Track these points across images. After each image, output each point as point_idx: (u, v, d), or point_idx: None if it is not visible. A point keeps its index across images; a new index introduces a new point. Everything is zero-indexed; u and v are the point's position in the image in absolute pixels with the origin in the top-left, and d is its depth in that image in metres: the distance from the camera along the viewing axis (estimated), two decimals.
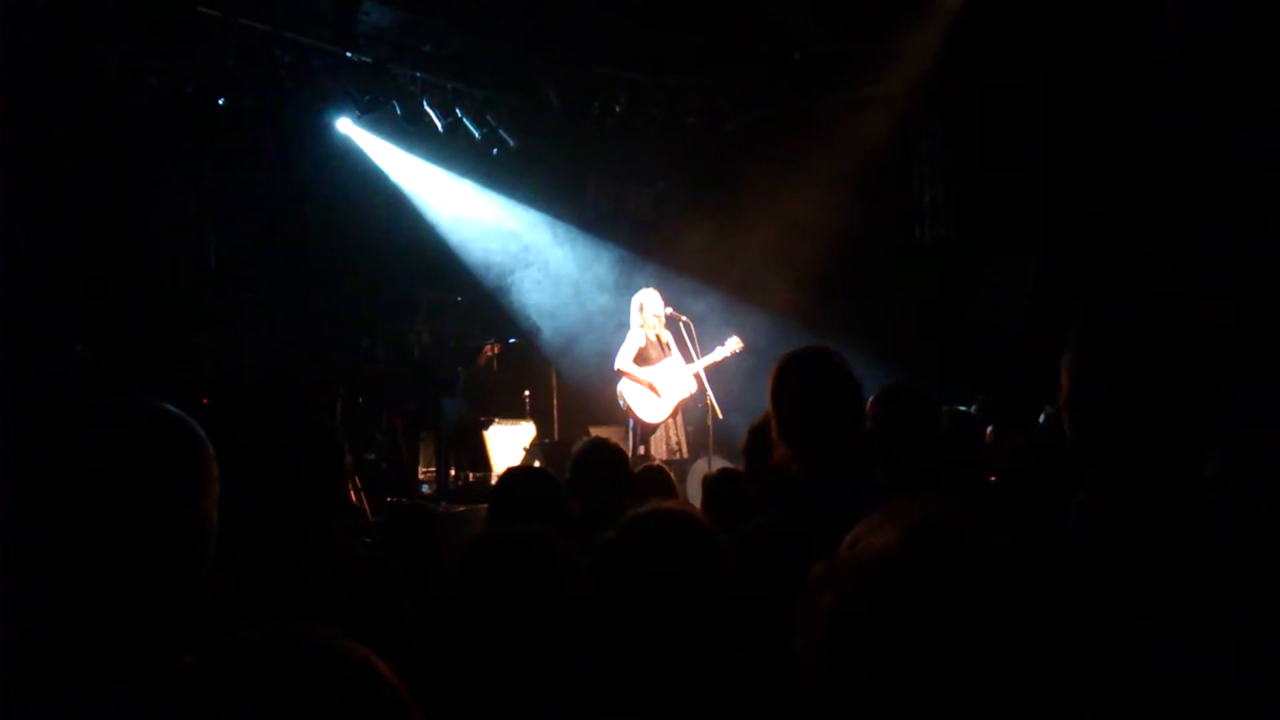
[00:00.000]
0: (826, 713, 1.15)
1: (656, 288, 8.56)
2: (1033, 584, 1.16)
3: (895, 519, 1.19)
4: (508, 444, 9.61)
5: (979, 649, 1.10)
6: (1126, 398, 2.02)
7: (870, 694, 1.12)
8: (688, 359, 8.38)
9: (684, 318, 8.42)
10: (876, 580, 1.14)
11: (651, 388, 8.28)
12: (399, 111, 9.71)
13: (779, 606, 1.87)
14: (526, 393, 10.40)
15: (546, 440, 10.14)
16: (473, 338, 10.33)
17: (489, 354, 10.05)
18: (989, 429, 5.00)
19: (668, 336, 8.41)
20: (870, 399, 3.00)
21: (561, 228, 11.39)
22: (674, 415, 8.37)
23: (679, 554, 1.66)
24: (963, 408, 6.20)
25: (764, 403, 3.67)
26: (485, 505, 4.70)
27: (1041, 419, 6.40)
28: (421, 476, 9.46)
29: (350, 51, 9.23)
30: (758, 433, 3.27)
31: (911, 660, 1.10)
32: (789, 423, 2.65)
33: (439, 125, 9.89)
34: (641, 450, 8.17)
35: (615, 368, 8.35)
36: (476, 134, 10.12)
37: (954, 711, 1.09)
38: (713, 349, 8.41)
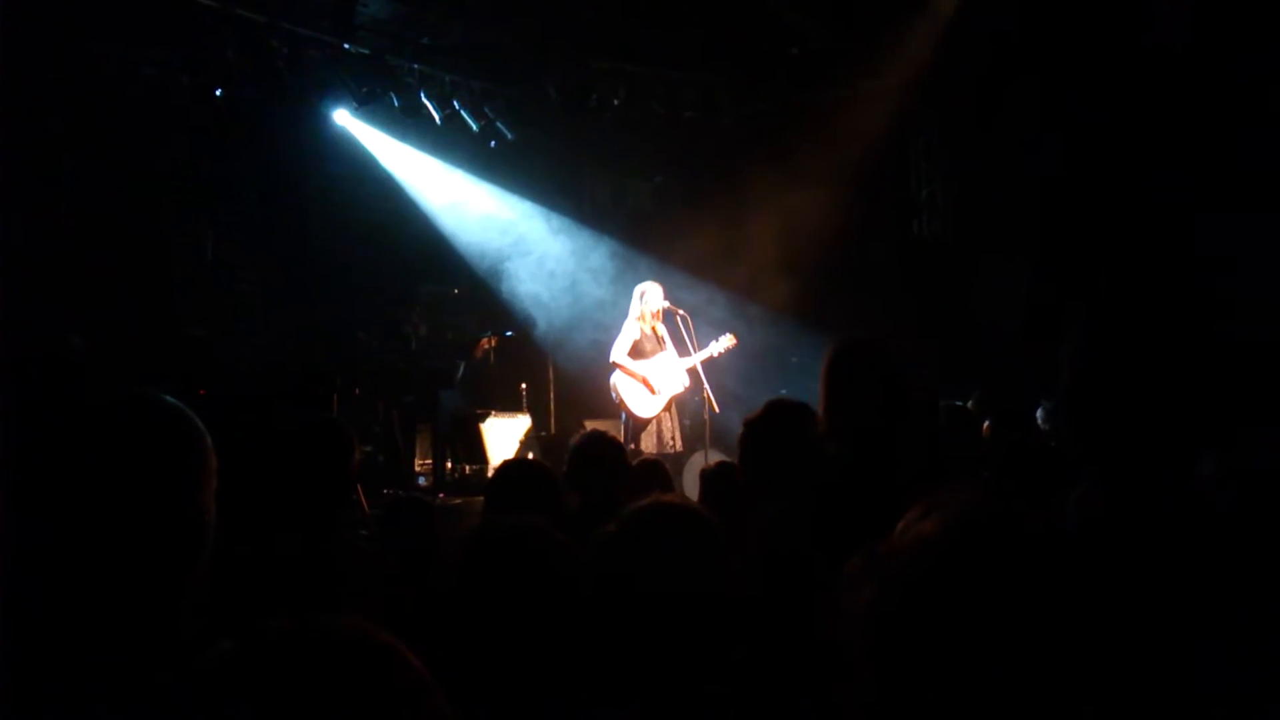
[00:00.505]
0: (873, 703, 1.15)
1: (654, 280, 8.55)
2: (1078, 571, 1.16)
3: (940, 508, 1.19)
4: (504, 436, 9.61)
5: (1026, 636, 1.10)
6: (1124, 398, 2.03)
7: (918, 683, 1.12)
8: (683, 353, 8.37)
9: (681, 312, 8.40)
10: (922, 569, 1.14)
11: (645, 382, 8.27)
12: (396, 103, 9.70)
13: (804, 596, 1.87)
14: (523, 385, 10.40)
15: (543, 433, 10.14)
16: (470, 330, 10.34)
17: (486, 347, 10.05)
18: (985, 424, 5.00)
19: (664, 330, 8.39)
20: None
21: (559, 221, 11.38)
22: (667, 409, 8.37)
23: (680, 547, 1.66)
24: (960, 402, 6.22)
25: (760, 397, 3.67)
26: (482, 498, 4.70)
27: (1039, 414, 6.41)
28: (418, 469, 9.46)
29: (348, 43, 9.22)
30: (753, 426, 3.27)
31: (959, 648, 1.10)
32: (838, 402, 2.64)
33: (437, 117, 9.89)
34: (633, 446, 8.15)
35: (610, 360, 8.34)
36: (474, 126, 10.11)
37: (1002, 699, 1.09)
38: (707, 345, 8.41)
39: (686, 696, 1.58)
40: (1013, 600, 1.11)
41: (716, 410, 8.36)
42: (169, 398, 1.57)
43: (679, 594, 1.61)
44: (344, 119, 10.16)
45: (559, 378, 10.68)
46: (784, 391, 9.25)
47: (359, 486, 7.64)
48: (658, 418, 8.34)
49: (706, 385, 8.33)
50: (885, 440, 2.50)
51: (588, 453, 4.14)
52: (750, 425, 3.27)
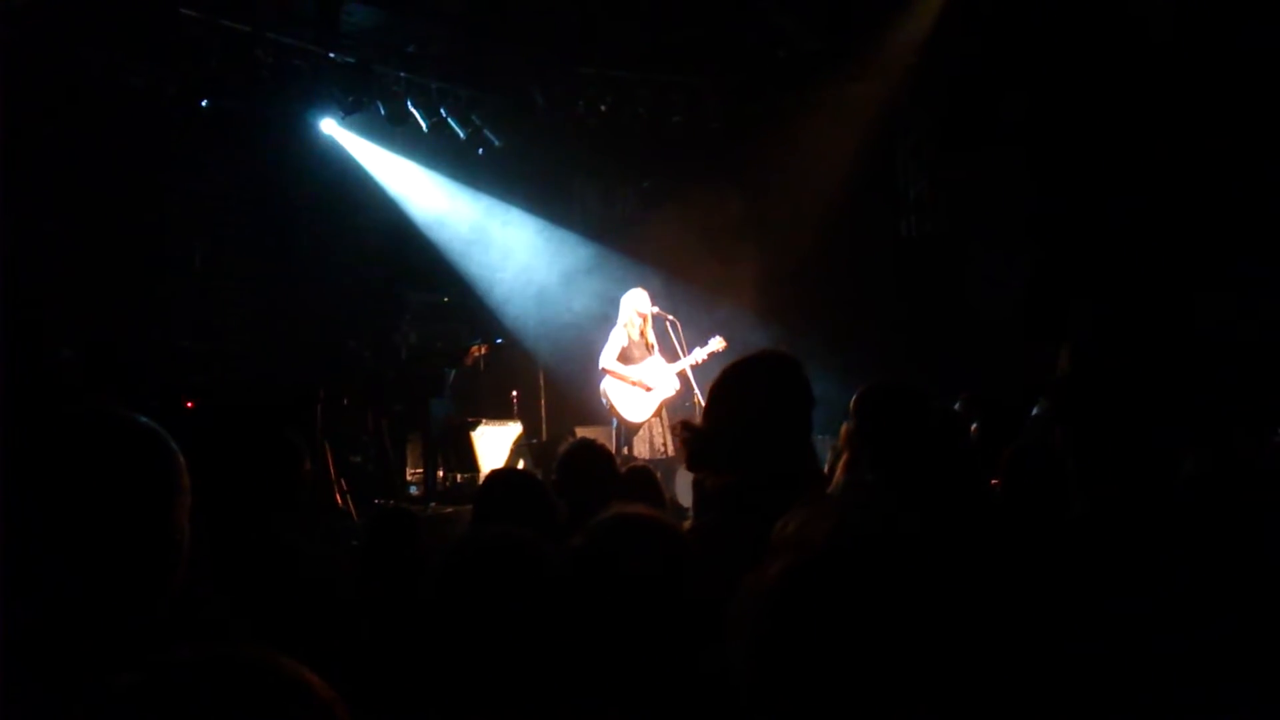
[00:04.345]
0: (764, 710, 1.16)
1: (643, 286, 8.55)
2: (957, 572, 1.18)
3: (818, 517, 1.20)
4: (496, 444, 9.60)
5: (901, 639, 1.11)
6: (1115, 404, 2.04)
7: (804, 689, 1.13)
8: (673, 358, 8.37)
9: (670, 317, 8.40)
10: (802, 585, 1.15)
11: (636, 386, 8.26)
12: (383, 112, 9.68)
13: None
14: (514, 393, 10.39)
15: (534, 440, 10.13)
16: (460, 338, 10.32)
17: (476, 354, 10.04)
18: (973, 426, 4.99)
19: (653, 336, 8.39)
20: (854, 397, 3.00)
21: (547, 227, 11.37)
22: (657, 414, 8.37)
23: (644, 558, 1.66)
24: (948, 405, 6.20)
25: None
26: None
27: (1035, 412, 6.40)
28: (409, 478, 9.44)
29: (333, 52, 9.19)
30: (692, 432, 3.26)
31: (839, 652, 1.11)
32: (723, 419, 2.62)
33: (423, 125, 9.87)
34: (625, 450, 8.15)
35: (600, 366, 8.35)
36: (461, 134, 10.10)
37: (881, 699, 1.10)
38: (696, 348, 8.40)
39: (656, 705, 1.57)
40: (887, 609, 1.12)
41: None
42: (140, 416, 1.55)
43: (644, 604, 1.61)
44: (330, 128, 10.14)
45: (550, 384, 10.67)
46: None
47: (349, 497, 7.65)
48: (649, 423, 8.34)
49: (697, 390, 8.32)
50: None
51: (575, 461, 4.13)
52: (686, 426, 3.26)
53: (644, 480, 4.64)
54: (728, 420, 2.45)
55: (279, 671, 0.96)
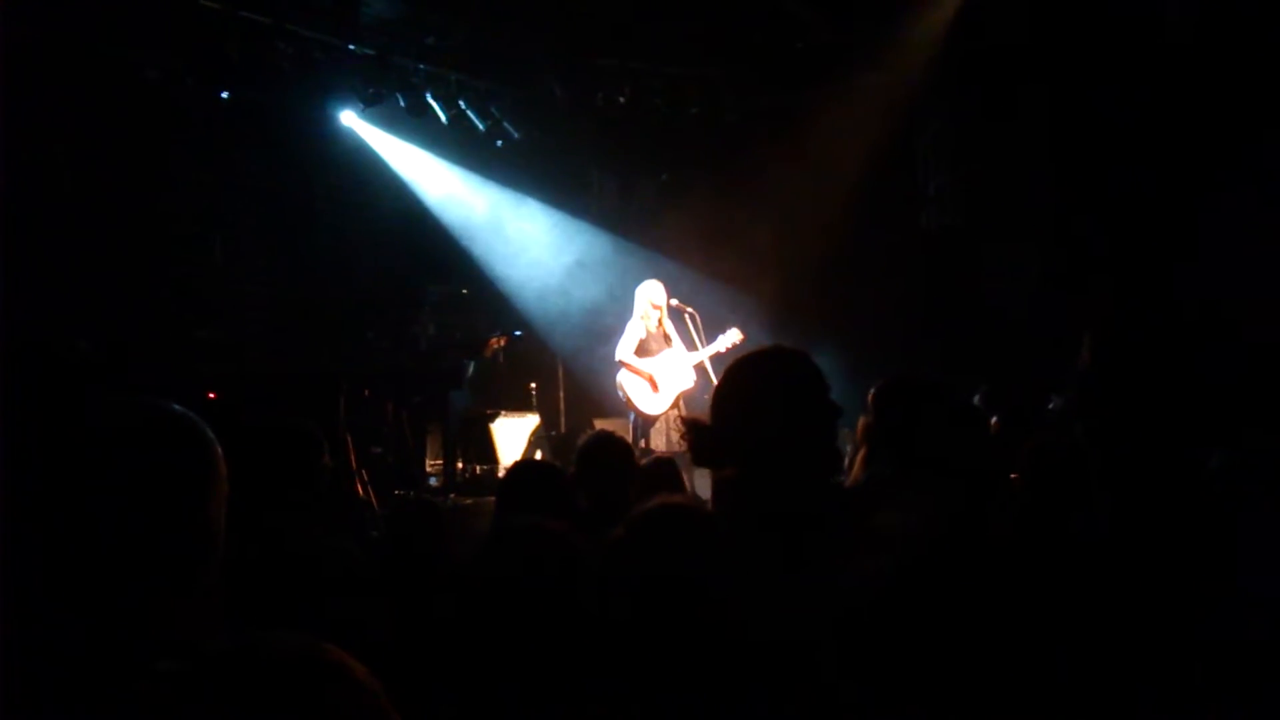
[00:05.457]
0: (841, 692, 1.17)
1: (661, 278, 8.52)
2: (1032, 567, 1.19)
3: (905, 513, 1.22)
4: (514, 436, 9.61)
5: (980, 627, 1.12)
6: (1138, 398, 2.04)
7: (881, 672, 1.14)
8: (691, 350, 8.36)
9: (689, 309, 8.38)
10: (884, 571, 1.16)
11: (650, 380, 8.25)
12: (402, 103, 9.70)
13: None
14: (532, 385, 10.40)
15: (553, 432, 10.14)
16: (478, 330, 10.33)
17: (495, 346, 10.05)
18: (994, 419, 4.98)
19: (670, 328, 8.37)
20: (872, 390, 3.01)
21: (565, 219, 11.38)
22: (674, 407, 8.34)
23: (687, 548, 1.67)
24: (970, 397, 6.19)
25: None
26: (493, 498, 4.70)
27: (1050, 406, 6.38)
28: (429, 469, 9.46)
29: (353, 44, 9.22)
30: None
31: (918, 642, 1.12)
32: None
33: (442, 117, 9.89)
34: (643, 443, 8.14)
35: (615, 359, 8.34)
36: (480, 126, 10.11)
37: (959, 684, 1.11)
38: (713, 340, 8.38)
39: (700, 695, 1.58)
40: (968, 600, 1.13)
41: None
42: (177, 405, 1.55)
43: (690, 595, 1.61)
44: (350, 120, 10.16)
45: (568, 376, 10.68)
46: None
47: (370, 488, 7.67)
48: (666, 415, 8.32)
49: (715, 382, 8.29)
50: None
51: (595, 453, 4.13)
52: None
53: (666, 472, 4.64)
54: (731, 416, 2.44)
55: (321, 655, 0.96)
